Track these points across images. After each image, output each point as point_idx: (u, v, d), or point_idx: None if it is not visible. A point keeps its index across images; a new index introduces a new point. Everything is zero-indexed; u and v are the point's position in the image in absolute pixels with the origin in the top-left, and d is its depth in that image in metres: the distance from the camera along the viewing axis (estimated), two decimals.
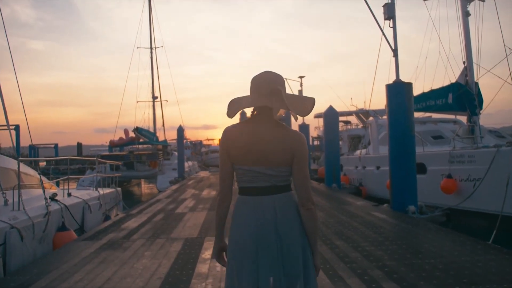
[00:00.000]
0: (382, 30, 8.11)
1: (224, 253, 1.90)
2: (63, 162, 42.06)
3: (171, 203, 9.65)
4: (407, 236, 5.29)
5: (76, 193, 7.66)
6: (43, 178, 6.74)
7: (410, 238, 5.13)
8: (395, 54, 7.96)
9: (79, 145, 64.77)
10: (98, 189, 9.03)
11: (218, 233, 1.90)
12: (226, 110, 1.87)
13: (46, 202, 5.77)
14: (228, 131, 1.82)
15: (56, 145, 59.86)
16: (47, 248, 5.56)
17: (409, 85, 7.65)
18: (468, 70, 12.49)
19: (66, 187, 7.70)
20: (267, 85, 1.75)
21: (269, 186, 1.77)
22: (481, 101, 12.69)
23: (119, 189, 11.32)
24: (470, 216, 8.73)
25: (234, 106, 1.85)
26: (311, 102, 1.80)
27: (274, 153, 1.75)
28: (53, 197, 6.22)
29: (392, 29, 8.02)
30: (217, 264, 4.34)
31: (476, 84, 12.52)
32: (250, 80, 1.82)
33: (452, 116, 15.27)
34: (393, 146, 7.67)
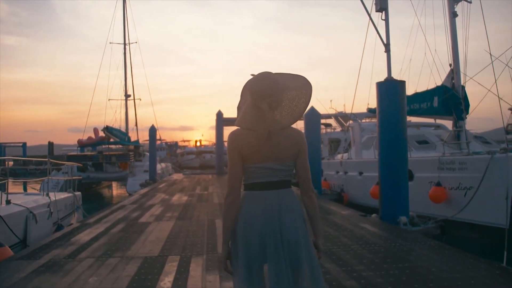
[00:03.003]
0: (372, 21, 7.39)
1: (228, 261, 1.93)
2: (31, 162, 39.71)
3: (135, 210, 8.61)
4: (407, 256, 4.49)
5: (19, 200, 6.45)
6: None
7: (412, 260, 4.32)
8: (387, 49, 7.24)
9: (50, 144, 62.15)
10: (50, 194, 7.82)
11: (227, 238, 1.91)
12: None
13: None
14: (236, 133, 1.93)
15: (24, 144, 57.35)
16: None
17: (402, 83, 6.92)
18: (455, 73, 11.98)
19: (36, 191, 6.56)
20: (255, 102, 1.86)
21: (276, 181, 1.90)
22: (467, 105, 12.21)
23: (78, 193, 10.07)
24: (464, 228, 8.08)
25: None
26: (303, 106, 1.95)
27: (284, 148, 1.90)
28: None
29: (384, 22, 7.31)
30: None
31: (463, 87, 12.03)
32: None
33: (432, 120, 14.79)
34: (384, 150, 6.93)
